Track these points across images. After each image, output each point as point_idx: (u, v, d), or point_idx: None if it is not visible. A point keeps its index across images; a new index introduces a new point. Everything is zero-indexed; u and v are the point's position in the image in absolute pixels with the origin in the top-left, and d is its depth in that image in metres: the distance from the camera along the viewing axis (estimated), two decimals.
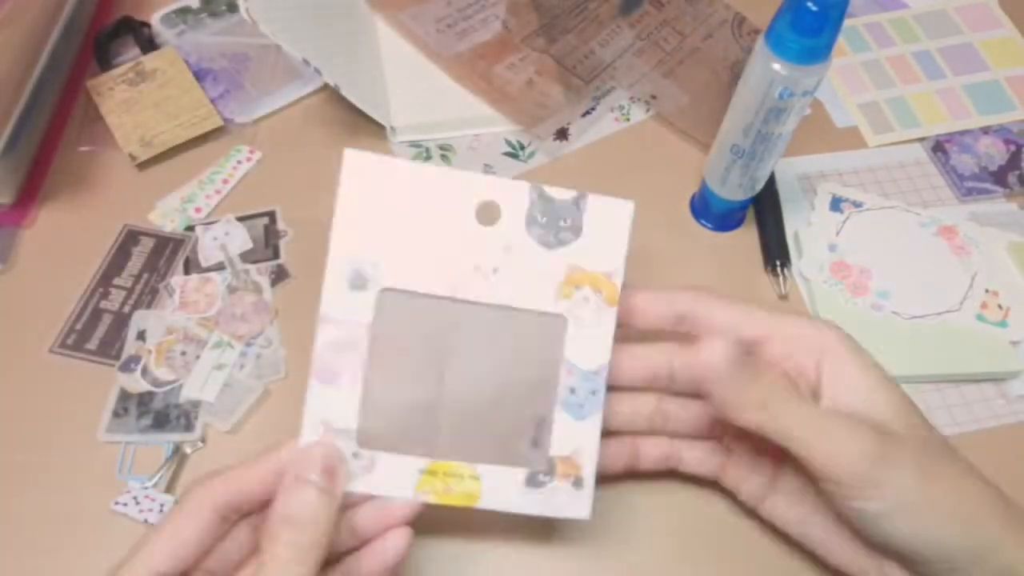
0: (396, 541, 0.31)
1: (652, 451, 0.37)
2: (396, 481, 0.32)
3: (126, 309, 0.47)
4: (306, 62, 0.49)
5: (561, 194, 0.31)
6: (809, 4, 0.35)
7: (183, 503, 0.30)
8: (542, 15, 0.60)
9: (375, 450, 0.31)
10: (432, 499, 0.32)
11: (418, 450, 0.32)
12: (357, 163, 0.31)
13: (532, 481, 0.32)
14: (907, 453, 0.30)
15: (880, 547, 0.32)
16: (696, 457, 0.37)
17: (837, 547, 0.34)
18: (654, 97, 0.57)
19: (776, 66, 0.38)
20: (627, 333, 0.34)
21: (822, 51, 0.37)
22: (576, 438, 0.32)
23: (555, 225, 0.31)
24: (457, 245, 0.31)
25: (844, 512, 0.31)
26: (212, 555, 0.30)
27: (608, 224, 0.32)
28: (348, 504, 0.31)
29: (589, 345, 0.32)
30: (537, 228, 0.31)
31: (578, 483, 0.33)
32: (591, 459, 0.33)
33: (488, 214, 0.31)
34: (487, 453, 0.32)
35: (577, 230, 0.31)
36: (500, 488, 0.32)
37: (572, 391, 0.32)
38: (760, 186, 0.47)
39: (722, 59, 0.59)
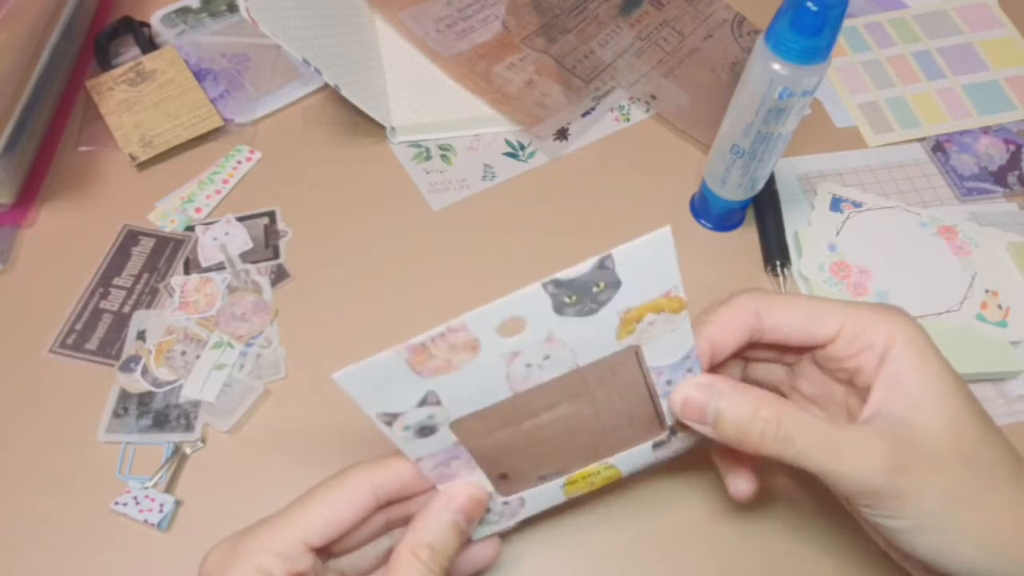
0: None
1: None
2: (546, 500, 0.35)
3: (126, 309, 0.47)
4: (306, 62, 0.49)
5: (581, 270, 0.27)
6: (809, 4, 0.35)
7: (342, 481, 0.31)
8: (542, 15, 0.60)
9: (517, 493, 0.34)
10: (584, 492, 0.36)
11: (552, 475, 0.34)
12: (353, 378, 0.28)
13: (658, 445, 0.35)
14: (936, 471, 0.29)
15: (909, 559, 0.31)
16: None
17: (881, 542, 0.34)
18: (654, 97, 0.57)
19: (776, 66, 0.38)
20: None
21: (822, 51, 0.37)
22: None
23: (588, 294, 0.28)
24: (495, 365, 0.29)
25: (869, 523, 0.31)
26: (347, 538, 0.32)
27: (646, 260, 0.28)
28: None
29: (668, 347, 0.31)
30: (569, 308, 0.28)
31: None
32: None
33: (513, 327, 0.28)
34: (611, 450, 0.34)
35: (615, 284, 0.28)
36: (633, 458, 0.35)
37: (669, 383, 0.32)
38: (760, 186, 0.47)
39: (722, 59, 0.59)
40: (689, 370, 0.32)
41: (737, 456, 0.35)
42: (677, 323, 0.30)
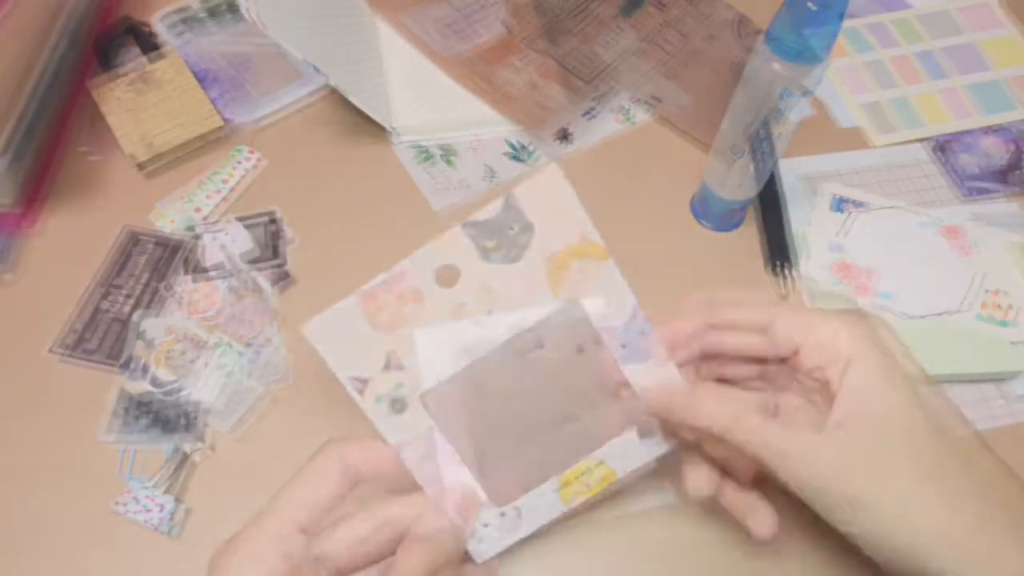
0: None
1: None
2: (545, 510, 0.34)
3: (127, 310, 0.47)
4: (307, 63, 0.49)
5: (490, 211, 0.31)
6: (809, 4, 0.35)
7: (315, 462, 0.31)
8: (544, 16, 0.60)
9: (513, 501, 0.34)
10: (582, 499, 0.34)
11: (542, 476, 0.34)
12: (319, 329, 0.31)
13: (644, 432, 0.34)
14: (891, 483, 0.29)
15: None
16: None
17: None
18: (655, 98, 0.57)
19: (776, 66, 0.38)
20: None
21: (822, 51, 0.37)
22: (653, 375, 0.33)
23: (506, 238, 0.31)
24: (444, 320, 0.32)
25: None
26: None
27: (548, 199, 0.31)
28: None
29: (609, 302, 0.32)
30: (494, 253, 0.31)
31: None
32: (679, 382, 0.34)
33: (448, 276, 0.31)
34: (594, 440, 0.34)
35: (528, 225, 0.31)
36: (625, 455, 0.34)
37: (624, 346, 0.33)
38: (760, 186, 0.47)
39: (724, 60, 0.59)
40: (642, 332, 0.33)
41: (747, 493, 0.35)
42: (606, 272, 0.32)
